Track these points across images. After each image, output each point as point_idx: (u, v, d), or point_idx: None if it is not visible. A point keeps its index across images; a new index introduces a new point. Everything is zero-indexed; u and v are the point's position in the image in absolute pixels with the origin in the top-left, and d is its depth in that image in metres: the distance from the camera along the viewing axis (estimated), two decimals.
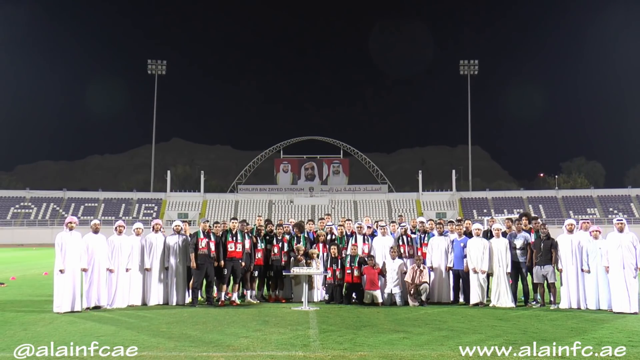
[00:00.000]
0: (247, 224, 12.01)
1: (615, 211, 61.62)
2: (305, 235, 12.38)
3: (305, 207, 68.64)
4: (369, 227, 12.71)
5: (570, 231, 10.86)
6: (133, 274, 11.09)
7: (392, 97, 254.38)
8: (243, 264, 11.44)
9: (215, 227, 11.55)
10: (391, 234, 12.42)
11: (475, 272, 11.08)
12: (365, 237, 12.21)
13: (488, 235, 11.88)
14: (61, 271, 9.96)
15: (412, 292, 11.11)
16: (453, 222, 12.75)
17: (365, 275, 11.28)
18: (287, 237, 12.17)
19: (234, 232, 11.48)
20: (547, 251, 10.79)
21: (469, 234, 11.71)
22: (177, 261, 11.38)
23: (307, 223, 13.03)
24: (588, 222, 11.10)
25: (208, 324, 8.80)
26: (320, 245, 12.17)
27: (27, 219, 64.96)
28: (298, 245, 11.97)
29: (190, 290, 11.49)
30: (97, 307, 10.48)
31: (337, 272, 11.51)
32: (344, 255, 11.66)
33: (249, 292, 11.81)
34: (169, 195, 71.78)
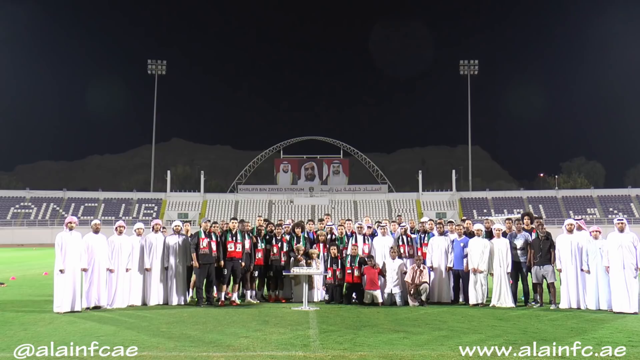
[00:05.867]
0: (247, 222, 12.00)
1: (616, 211, 61.63)
2: (305, 235, 12.38)
3: (305, 207, 68.63)
4: (369, 227, 12.71)
5: (570, 231, 10.86)
6: (133, 274, 11.08)
7: (392, 97, 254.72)
8: (243, 264, 11.44)
9: (215, 227, 11.55)
10: (391, 233, 12.42)
11: (475, 272, 11.09)
12: (366, 237, 12.21)
13: (488, 235, 11.89)
14: (61, 271, 9.95)
15: (412, 292, 11.11)
16: (453, 222, 12.75)
17: (365, 275, 11.28)
18: (286, 237, 12.16)
19: (233, 232, 11.48)
20: (546, 251, 10.80)
21: (469, 234, 11.72)
22: (177, 261, 11.38)
23: (307, 223, 13.04)
24: (579, 223, 11.07)
25: (208, 324, 8.79)
26: (321, 245, 12.18)
27: (27, 219, 64.97)
28: (298, 245, 11.96)
29: (193, 290, 11.51)
30: (97, 307, 10.48)
31: (337, 272, 11.52)
32: (344, 255, 11.67)
33: (249, 292, 11.80)
34: (169, 195, 71.78)
